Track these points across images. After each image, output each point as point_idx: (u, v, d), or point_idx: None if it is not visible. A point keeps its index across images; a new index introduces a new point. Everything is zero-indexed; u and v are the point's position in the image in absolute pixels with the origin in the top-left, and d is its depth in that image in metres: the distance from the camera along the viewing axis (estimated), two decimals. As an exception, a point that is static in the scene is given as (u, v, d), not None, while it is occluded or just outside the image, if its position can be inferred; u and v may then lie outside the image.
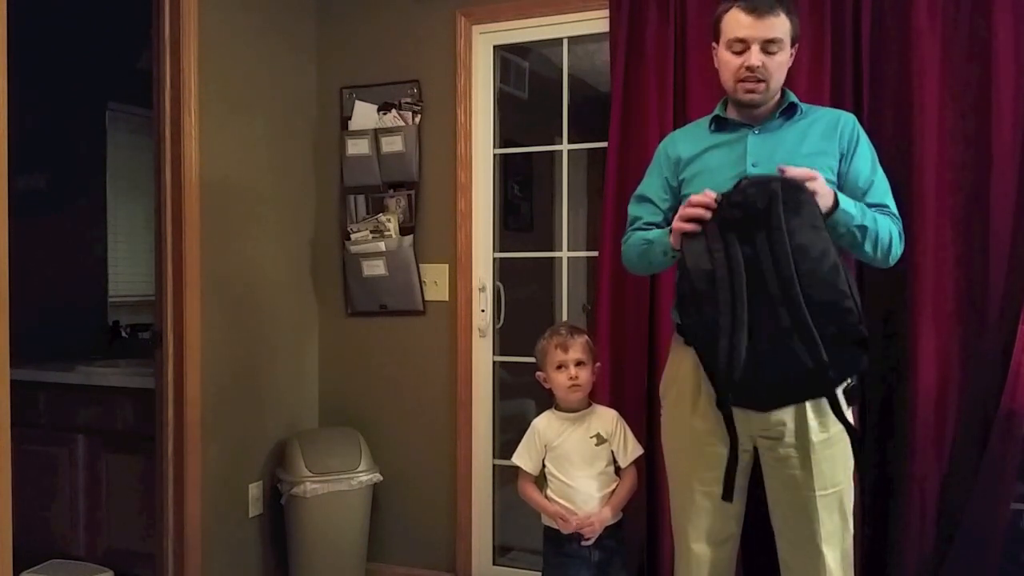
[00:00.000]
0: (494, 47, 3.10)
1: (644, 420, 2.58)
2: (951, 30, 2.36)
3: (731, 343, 1.69)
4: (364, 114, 3.20)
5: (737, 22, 1.91)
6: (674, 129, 2.42)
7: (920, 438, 2.36)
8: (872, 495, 2.43)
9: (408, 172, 3.14)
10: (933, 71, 2.36)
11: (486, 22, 3.04)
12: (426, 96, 3.14)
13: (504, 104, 3.22)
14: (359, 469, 2.99)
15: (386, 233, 3.15)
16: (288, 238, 3.19)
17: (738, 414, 1.87)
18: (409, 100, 3.15)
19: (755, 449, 1.97)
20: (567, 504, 2.23)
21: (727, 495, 1.90)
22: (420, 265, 3.14)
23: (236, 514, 2.94)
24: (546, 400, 2.42)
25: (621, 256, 2.15)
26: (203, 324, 2.76)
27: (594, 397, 2.38)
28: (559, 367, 2.27)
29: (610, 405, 2.43)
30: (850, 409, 1.90)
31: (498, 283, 3.14)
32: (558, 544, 2.27)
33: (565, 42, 2.99)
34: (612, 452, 2.28)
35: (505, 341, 3.15)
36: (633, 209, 2.13)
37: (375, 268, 3.15)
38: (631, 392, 2.68)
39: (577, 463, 2.26)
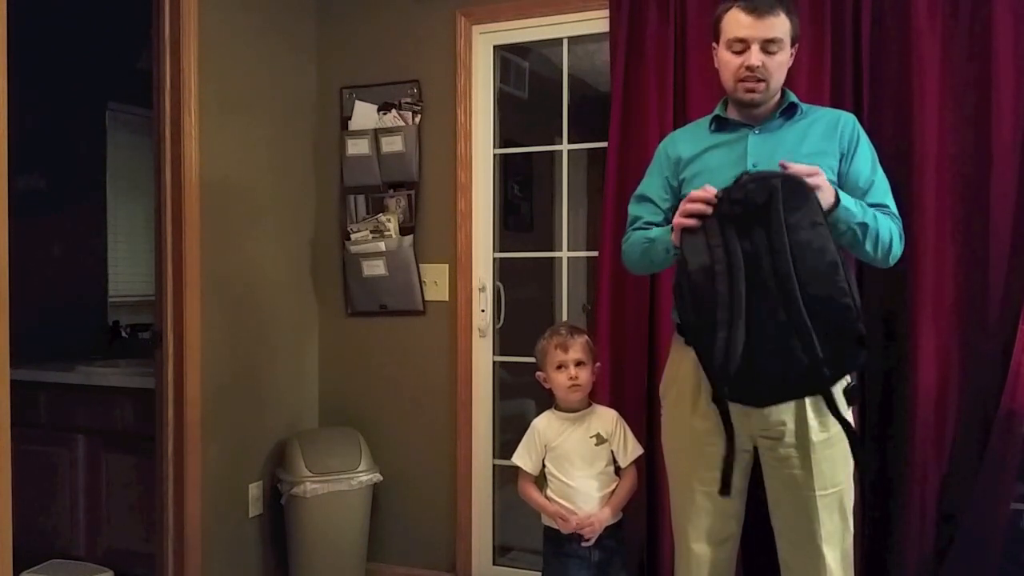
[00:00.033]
0: (494, 47, 3.10)
1: (644, 420, 2.58)
2: (951, 30, 2.36)
3: (728, 338, 1.69)
4: (364, 114, 3.20)
5: (737, 22, 1.91)
6: (674, 129, 2.42)
7: (920, 438, 2.36)
8: (872, 495, 2.43)
9: (408, 172, 3.14)
10: (933, 71, 2.36)
11: (486, 22, 3.04)
12: (426, 96, 3.14)
13: (504, 104, 3.22)
14: (359, 469, 2.99)
15: (386, 233, 3.15)
16: (288, 238, 3.19)
17: (738, 413, 1.88)
18: (409, 100, 3.15)
19: (755, 449, 1.97)
20: (567, 504, 2.23)
21: (725, 490, 1.90)
22: (420, 265, 3.14)
23: (236, 514, 2.94)
24: (546, 400, 2.42)
25: (621, 256, 2.15)
26: (203, 324, 2.76)
27: (594, 397, 2.38)
28: (559, 367, 2.27)
29: (610, 405, 2.43)
30: (850, 409, 1.90)
31: (498, 283, 3.14)
32: (558, 544, 2.27)
33: (565, 42, 2.99)
34: (612, 452, 2.28)
35: (505, 341, 3.15)
36: (633, 209, 2.13)
37: (375, 268, 3.15)
38: (631, 392, 2.68)
39: (577, 463, 2.26)
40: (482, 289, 3.09)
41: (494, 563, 3.11)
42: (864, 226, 1.83)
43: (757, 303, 1.69)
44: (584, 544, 2.22)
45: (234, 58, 2.90)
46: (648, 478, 2.59)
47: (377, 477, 3.05)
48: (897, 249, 1.91)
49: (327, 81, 3.30)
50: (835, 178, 1.91)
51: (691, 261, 1.75)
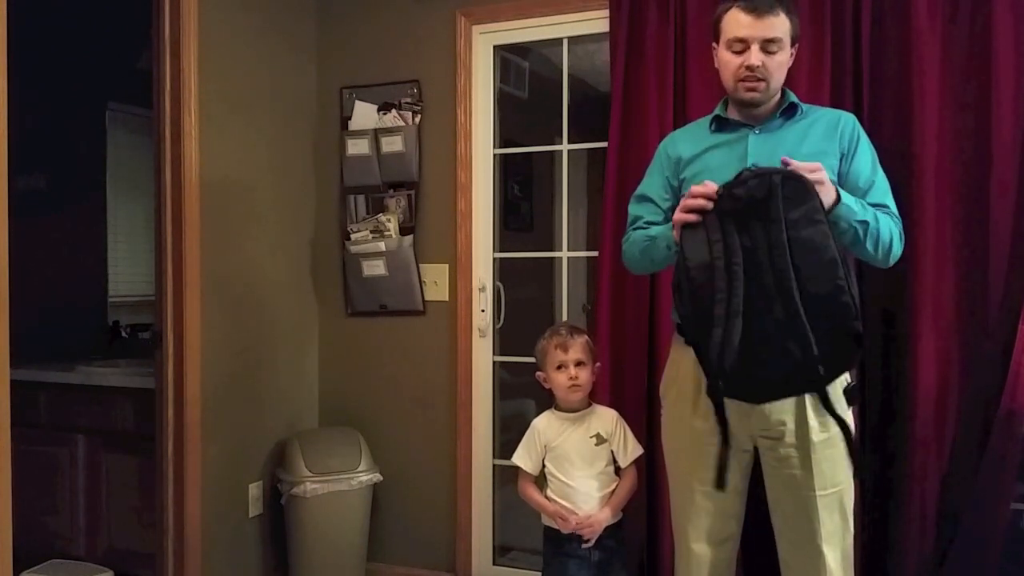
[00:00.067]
0: (494, 47, 3.10)
1: (644, 420, 2.58)
2: (951, 30, 2.36)
3: (724, 332, 1.69)
4: (364, 114, 3.20)
5: (737, 22, 1.91)
6: (674, 129, 2.42)
7: (920, 438, 2.36)
8: (872, 495, 2.43)
9: (408, 172, 3.14)
10: (933, 71, 2.36)
11: (486, 22, 3.04)
12: (426, 96, 3.14)
13: (504, 104, 3.22)
14: (359, 469, 2.99)
15: (386, 233, 3.15)
16: (288, 238, 3.19)
17: (738, 413, 1.88)
18: (409, 100, 3.15)
19: (755, 449, 1.97)
20: (567, 504, 2.23)
21: (719, 483, 1.90)
22: (420, 265, 3.14)
23: (236, 514, 2.94)
24: (546, 400, 2.42)
25: (622, 256, 2.15)
26: (203, 324, 2.76)
27: (594, 397, 2.38)
28: (559, 367, 2.27)
29: (610, 405, 2.43)
30: (850, 410, 1.90)
31: (498, 283, 3.14)
32: (558, 544, 2.27)
33: (565, 42, 2.99)
34: (612, 452, 2.28)
35: (505, 341, 3.15)
36: (633, 209, 2.13)
37: (375, 268, 3.15)
38: (631, 392, 2.68)
39: (577, 463, 2.26)
40: (482, 289, 3.09)
41: (494, 563, 3.11)
42: (865, 224, 1.83)
43: (755, 299, 1.69)
44: (584, 546, 2.22)
45: (234, 58, 2.90)
46: (648, 478, 2.59)
47: (377, 477, 3.05)
48: (897, 249, 1.91)
49: (327, 81, 3.30)
50: (835, 178, 1.91)
51: (691, 256, 1.75)
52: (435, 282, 3.13)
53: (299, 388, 3.25)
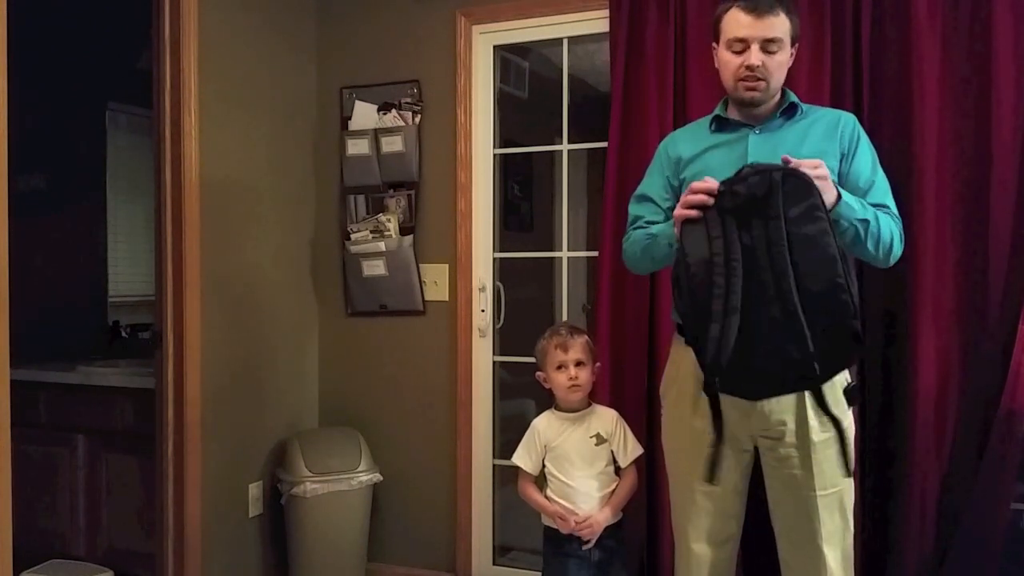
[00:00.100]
0: (494, 47, 3.10)
1: (644, 420, 2.58)
2: (951, 30, 2.36)
3: (722, 328, 1.69)
4: (364, 114, 3.20)
5: (737, 22, 1.91)
6: (674, 129, 2.42)
7: (920, 438, 2.36)
8: (872, 495, 2.43)
9: (408, 172, 3.14)
10: (933, 71, 2.36)
11: (486, 22, 3.04)
12: (426, 96, 3.14)
13: (504, 104, 3.22)
14: (359, 469, 2.99)
15: (386, 233, 3.15)
16: (288, 238, 3.19)
17: (739, 413, 1.88)
18: (409, 100, 3.15)
19: (755, 449, 1.97)
20: (567, 504, 2.23)
21: (710, 476, 1.90)
22: (420, 265, 3.14)
23: (236, 514, 2.94)
24: (546, 400, 2.42)
25: (622, 255, 2.15)
26: (203, 324, 2.76)
27: (594, 397, 2.39)
28: (559, 367, 2.27)
29: (610, 405, 2.43)
30: (850, 410, 1.90)
31: (498, 283, 3.14)
32: (558, 544, 2.27)
33: (565, 42, 2.99)
34: (612, 452, 2.28)
35: (505, 341, 3.15)
36: (634, 209, 2.13)
37: (375, 268, 3.15)
38: (631, 392, 2.68)
39: (577, 463, 2.26)
40: (482, 289, 3.09)
41: (494, 563, 3.11)
42: (865, 223, 1.83)
43: (753, 296, 1.69)
44: (584, 546, 2.22)
45: (234, 58, 2.90)
46: (648, 478, 2.59)
47: (377, 477, 3.05)
48: (897, 249, 1.91)
49: (327, 81, 3.30)
50: (836, 178, 1.91)
51: (690, 252, 1.75)
52: (435, 282, 3.13)
53: (299, 388, 3.25)
